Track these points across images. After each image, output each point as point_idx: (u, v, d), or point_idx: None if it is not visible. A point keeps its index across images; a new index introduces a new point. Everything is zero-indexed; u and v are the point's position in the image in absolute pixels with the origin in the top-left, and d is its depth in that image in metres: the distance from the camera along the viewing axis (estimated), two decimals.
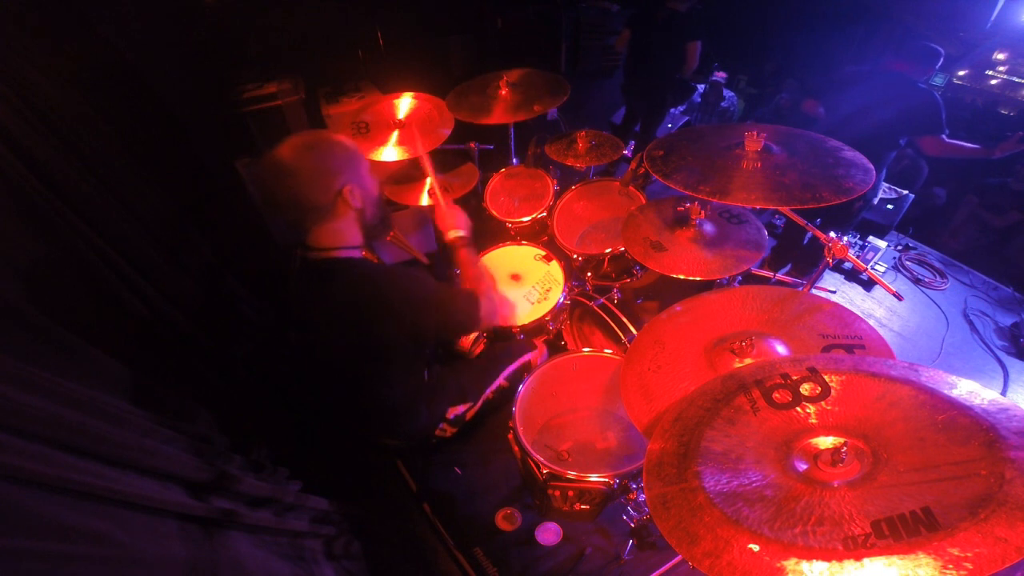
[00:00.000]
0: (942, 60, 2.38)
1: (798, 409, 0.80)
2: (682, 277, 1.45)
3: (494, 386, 1.60)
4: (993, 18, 3.29)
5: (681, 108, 4.24)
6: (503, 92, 2.14)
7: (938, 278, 2.92)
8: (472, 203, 2.39)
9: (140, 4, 2.06)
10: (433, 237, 2.80)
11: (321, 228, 1.13)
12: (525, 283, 1.97)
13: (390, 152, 2.01)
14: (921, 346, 2.54)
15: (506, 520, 1.68)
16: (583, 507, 1.37)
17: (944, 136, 2.31)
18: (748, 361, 1.02)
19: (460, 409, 1.53)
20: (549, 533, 1.64)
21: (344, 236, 1.16)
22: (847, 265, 2.89)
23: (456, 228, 1.43)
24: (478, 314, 1.26)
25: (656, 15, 3.04)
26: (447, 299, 1.24)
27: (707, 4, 3.11)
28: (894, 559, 0.54)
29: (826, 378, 0.82)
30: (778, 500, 0.67)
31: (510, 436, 1.38)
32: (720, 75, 3.98)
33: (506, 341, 1.85)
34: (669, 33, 3.04)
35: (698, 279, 1.45)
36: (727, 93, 4.22)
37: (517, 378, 1.56)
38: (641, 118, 3.63)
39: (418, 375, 1.43)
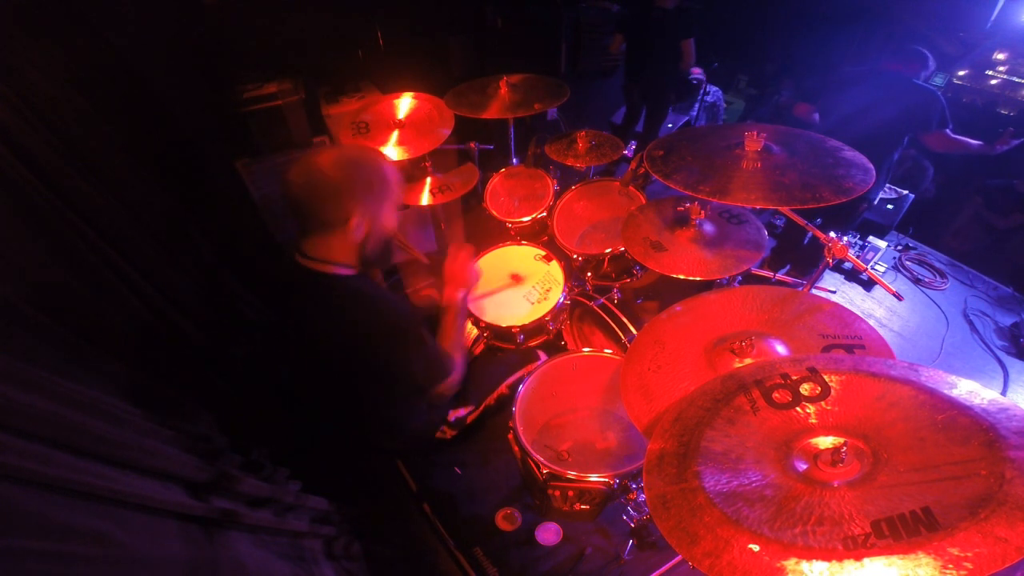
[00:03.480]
0: (932, 65, 2.40)
1: (798, 409, 0.80)
2: (682, 277, 1.45)
3: (496, 393, 1.60)
4: (993, 18, 3.29)
5: (682, 105, 4.24)
6: (503, 91, 2.14)
7: (938, 278, 2.93)
8: (472, 203, 2.40)
9: (140, 4, 2.06)
10: (433, 237, 2.80)
11: (319, 239, 1.12)
12: (525, 283, 1.97)
13: (390, 152, 2.01)
14: (921, 346, 2.54)
15: (506, 520, 1.68)
16: (583, 507, 1.37)
17: (949, 131, 2.31)
18: (748, 361, 1.02)
19: (461, 412, 1.53)
20: (549, 533, 1.64)
21: (337, 255, 1.14)
22: (847, 265, 2.89)
23: (460, 287, 1.39)
24: (446, 375, 1.26)
25: (648, 15, 3.06)
26: (422, 349, 1.19)
27: (701, 1, 3.12)
28: (894, 559, 0.54)
29: (826, 378, 0.82)
30: (778, 500, 0.67)
31: (510, 436, 1.38)
32: (697, 72, 3.95)
33: (507, 342, 1.85)
34: (663, 32, 3.05)
35: (698, 279, 1.45)
36: (711, 88, 4.21)
37: (518, 384, 1.57)
38: (643, 118, 3.64)
39: (415, 383, 1.42)
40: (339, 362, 1.22)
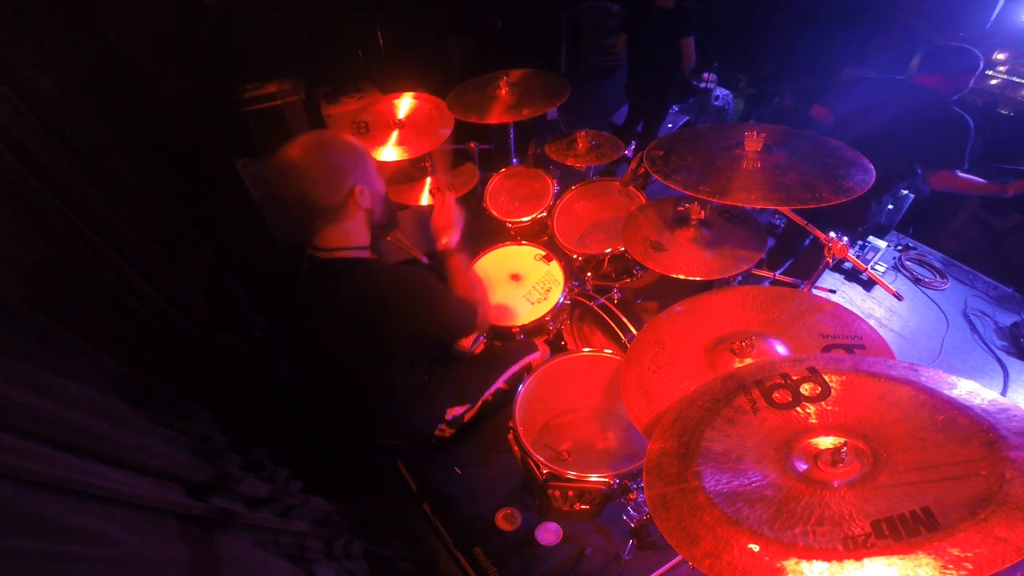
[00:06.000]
0: (980, 62, 2.00)
1: (798, 409, 0.80)
2: (682, 277, 1.45)
3: (493, 388, 1.60)
4: (993, 18, 3.29)
5: (677, 108, 4.23)
6: (502, 92, 2.14)
7: (938, 278, 2.92)
8: (472, 203, 2.40)
9: (141, 4, 2.06)
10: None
11: (331, 229, 1.14)
12: (525, 283, 1.97)
13: (390, 152, 2.01)
14: (921, 346, 2.54)
15: (506, 520, 1.68)
16: (583, 507, 1.37)
17: (958, 171, 2.03)
18: (748, 361, 1.02)
19: (458, 411, 1.53)
20: (549, 533, 1.64)
21: (353, 237, 1.17)
22: (847, 265, 2.89)
23: (450, 232, 1.42)
24: (475, 320, 1.33)
25: (647, 14, 3.06)
26: (451, 302, 1.27)
27: (701, 1, 3.12)
28: (894, 559, 0.54)
29: (826, 378, 0.82)
30: (778, 500, 0.67)
31: (510, 436, 1.38)
32: (710, 77, 3.95)
33: (507, 341, 1.85)
34: (662, 31, 3.05)
35: (698, 279, 1.45)
36: (720, 91, 4.22)
37: (517, 380, 1.57)
38: (644, 117, 3.64)
39: (418, 375, 1.43)
40: (363, 344, 1.23)
